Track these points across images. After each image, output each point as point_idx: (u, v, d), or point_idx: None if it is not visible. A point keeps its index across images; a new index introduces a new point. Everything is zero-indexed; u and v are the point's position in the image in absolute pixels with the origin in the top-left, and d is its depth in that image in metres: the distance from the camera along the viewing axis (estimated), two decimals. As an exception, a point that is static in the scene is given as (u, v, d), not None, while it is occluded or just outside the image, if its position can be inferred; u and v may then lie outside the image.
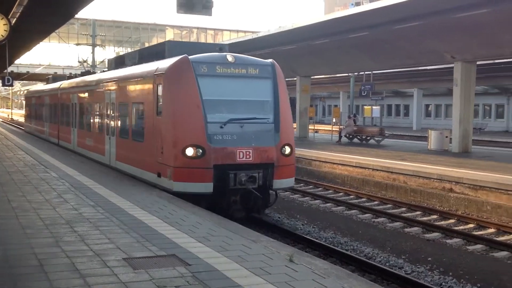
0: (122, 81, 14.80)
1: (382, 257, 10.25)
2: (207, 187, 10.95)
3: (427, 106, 62.38)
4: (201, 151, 10.93)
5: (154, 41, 64.50)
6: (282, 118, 11.84)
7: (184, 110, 11.25)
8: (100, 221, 8.40)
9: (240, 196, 11.35)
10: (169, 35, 67.81)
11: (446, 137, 26.58)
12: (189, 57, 11.52)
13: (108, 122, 15.87)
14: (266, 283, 5.64)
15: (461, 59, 24.82)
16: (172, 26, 70.94)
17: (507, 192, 14.31)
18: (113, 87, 15.40)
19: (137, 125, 13.61)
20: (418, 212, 14.80)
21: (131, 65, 15.65)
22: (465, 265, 9.97)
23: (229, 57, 11.85)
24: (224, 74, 11.67)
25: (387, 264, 9.80)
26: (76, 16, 22.54)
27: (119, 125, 14.97)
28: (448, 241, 11.95)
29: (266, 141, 11.51)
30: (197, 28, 70.55)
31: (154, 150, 12.02)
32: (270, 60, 12.44)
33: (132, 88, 14.03)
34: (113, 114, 15.43)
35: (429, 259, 10.33)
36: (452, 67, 26.03)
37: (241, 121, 11.41)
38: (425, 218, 14.13)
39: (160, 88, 11.82)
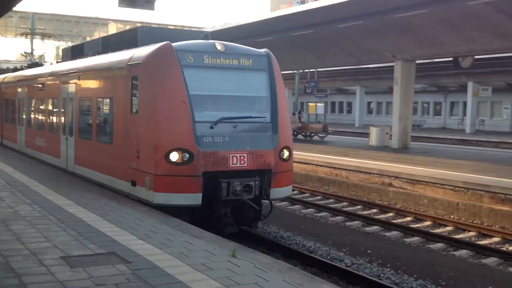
0: (83, 73, 12.97)
1: (323, 251, 10.44)
2: (195, 199, 9.34)
3: (369, 103, 64.03)
4: (188, 156, 9.30)
5: (96, 35, 62.93)
6: (280, 116, 10.33)
7: (167, 107, 9.53)
8: (36, 219, 8.15)
9: (232, 207, 9.89)
10: (112, 30, 66.25)
11: (387, 133, 27.43)
12: (172, 44, 9.84)
13: (65, 119, 14.06)
14: (208, 278, 5.64)
15: (401, 58, 25.63)
16: (115, 20, 69.46)
17: (442, 186, 14.91)
18: (72, 80, 13.57)
19: (103, 124, 11.94)
20: (359, 206, 15.19)
21: (93, 55, 13.83)
22: (402, 257, 10.29)
23: (218, 45, 10.23)
24: (213, 65, 10.07)
25: (328, 257, 9.99)
26: (14, 8, 21.65)
27: (79, 123, 13.19)
28: (387, 234, 12.33)
29: (263, 144, 10.02)
30: (141, 22, 69.37)
31: (126, 154, 10.34)
32: (264, 49, 10.88)
33: (98, 81, 12.35)
34: (71, 111, 13.60)
35: (369, 251, 10.61)
36: (393, 66, 26.85)
37: (234, 120, 9.88)
38: (365, 212, 14.52)
39: (136, 81, 10.10)
